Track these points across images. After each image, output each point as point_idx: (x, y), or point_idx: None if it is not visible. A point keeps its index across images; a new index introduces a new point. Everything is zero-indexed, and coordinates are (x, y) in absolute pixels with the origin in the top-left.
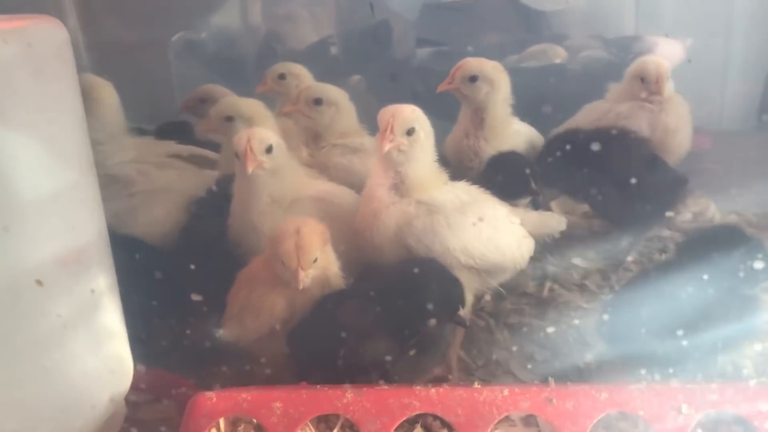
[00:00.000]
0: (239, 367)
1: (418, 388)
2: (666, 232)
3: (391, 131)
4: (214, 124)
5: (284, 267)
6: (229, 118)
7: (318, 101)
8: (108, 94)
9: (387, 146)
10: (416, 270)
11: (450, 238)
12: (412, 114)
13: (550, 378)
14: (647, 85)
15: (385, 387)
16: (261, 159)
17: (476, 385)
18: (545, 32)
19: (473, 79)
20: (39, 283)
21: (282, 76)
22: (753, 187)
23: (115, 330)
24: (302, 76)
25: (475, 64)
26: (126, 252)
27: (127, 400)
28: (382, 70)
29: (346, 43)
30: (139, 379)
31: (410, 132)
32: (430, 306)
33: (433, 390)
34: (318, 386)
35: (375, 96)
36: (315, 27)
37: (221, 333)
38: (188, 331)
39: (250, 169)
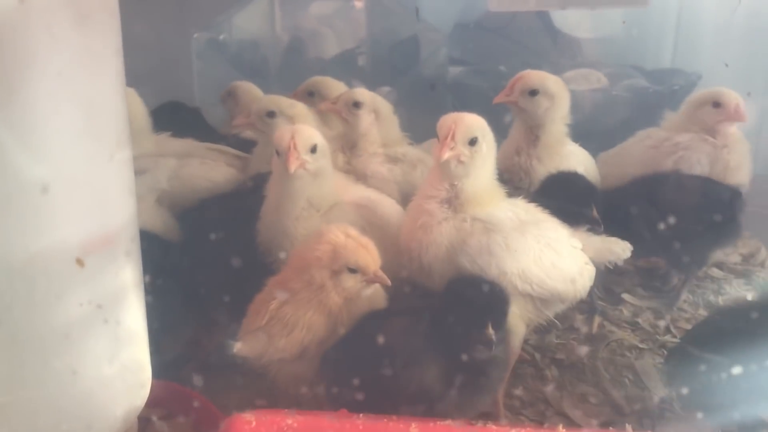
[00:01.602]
0: (259, 385)
1: (494, 426)
2: (718, 273)
3: (452, 139)
4: (253, 118)
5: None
6: (271, 114)
7: (357, 104)
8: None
9: (447, 154)
10: (467, 287)
11: (507, 261)
12: (475, 123)
13: (627, 425)
14: (725, 110)
15: (451, 424)
16: (305, 158)
17: (561, 428)
18: (579, 58)
19: (534, 92)
20: (80, 262)
21: (311, 94)
22: None
23: (137, 333)
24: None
25: (536, 76)
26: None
27: (139, 416)
28: (413, 82)
29: (375, 55)
30: (152, 391)
31: (473, 142)
32: (481, 327)
33: (513, 430)
34: (362, 415)
35: (407, 108)
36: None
37: (239, 347)
38: (204, 342)
39: (292, 168)
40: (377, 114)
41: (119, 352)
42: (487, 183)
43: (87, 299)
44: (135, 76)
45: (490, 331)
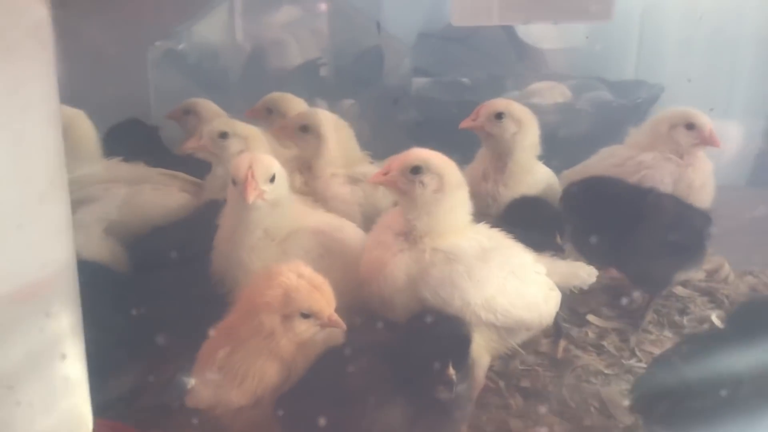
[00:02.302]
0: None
1: None
2: (683, 291)
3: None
4: (205, 141)
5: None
6: (224, 135)
7: (305, 128)
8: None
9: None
10: (428, 320)
11: (471, 291)
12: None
13: None
14: (699, 134)
15: None
16: (263, 189)
17: None
18: (543, 70)
19: (500, 116)
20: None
21: (269, 111)
22: (765, 246)
23: (75, 380)
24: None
25: (502, 101)
26: (89, 281)
27: None
28: (376, 95)
29: (337, 66)
30: None
31: (415, 171)
32: (442, 368)
33: None
34: None
35: (369, 122)
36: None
37: (189, 400)
38: (156, 378)
39: (250, 199)
40: (328, 136)
41: (55, 403)
42: (447, 216)
43: (20, 350)
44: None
45: (451, 371)
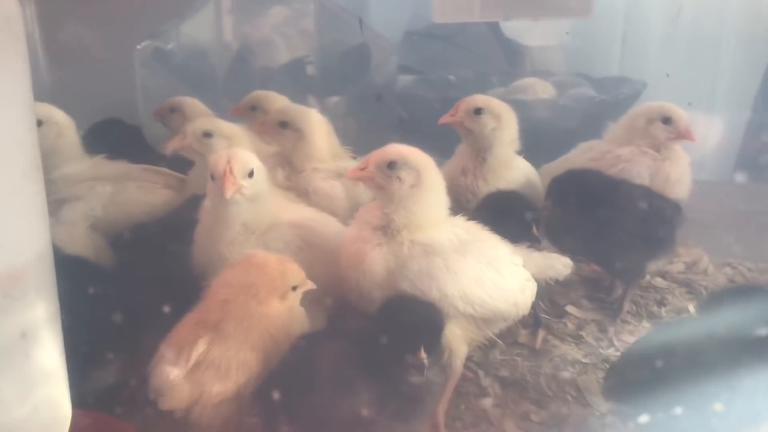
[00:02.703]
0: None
1: None
2: (661, 282)
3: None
4: (189, 140)
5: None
6: (208, 134)
7: (283, 124)
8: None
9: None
10: (400, 310)
11: (448, 283)
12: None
13: None
14: (675, 128)
15: None
16: (241, 183)
17: None
18: (528, 67)
19: (478, 111)
20: None
21: (253, 108)
22: (744, 238)
23: (52, 370)
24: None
25: (481, 97)
26: (71, 275)
27: None
28: (362, 92)
29: (324, 64)
30: (77, 427)
31: (392, 166)
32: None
33: None
34: None
35: (355, 119)
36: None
37: (164, 402)
38: (139, 370)
39: (228, 194)
40: (307, 131)
41: (32, 392)
42: (424, 211)
43: None
44: (73, 88)
45: (423, 354)
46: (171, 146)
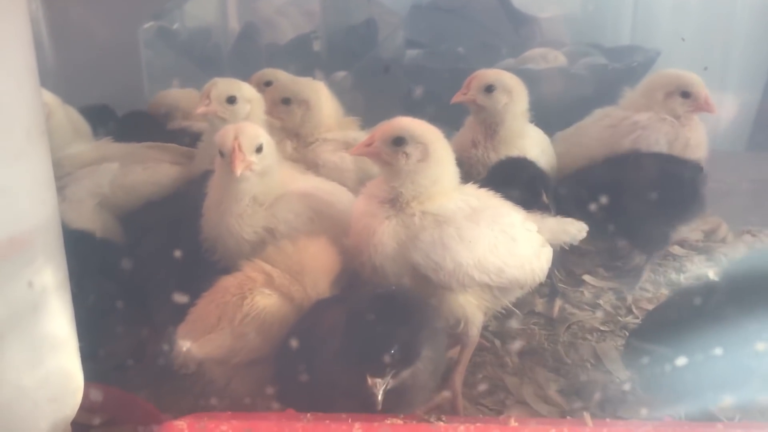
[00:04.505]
0: (204, 386)
1: (440, 423)
2: (680, 250)
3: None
4: (214, 105)
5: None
6: (231, 99)
7: (286, 101)
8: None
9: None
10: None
11: (462, 252)
12: (398, 127)
13: (585, 413)
14: (695, 102)
15: (399, 422)
16: (250, 159)
17: (513, 421)
18: (538, 38)
19: (490, 88)
20: None
21: (268, 84)
22: (763, 207)
23: (63, 339)
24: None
25: (491, 72)
26: (83, 249)
27: (74, 423)
28: (370, 66)
29: (330, 39)
30: (89, 399)
31: (398, 142)
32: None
33: (461, 426)
34: (308, 415)
35: (363, 93)
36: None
37: (197, 348)
38: (150, 344)
39: (238, 171)
40: (308, 104)
41: (42, 360)
42: (432, 184)
43: (2, 305)
44: (78, 68)
45: (372, 380)
46: (198, 113)
